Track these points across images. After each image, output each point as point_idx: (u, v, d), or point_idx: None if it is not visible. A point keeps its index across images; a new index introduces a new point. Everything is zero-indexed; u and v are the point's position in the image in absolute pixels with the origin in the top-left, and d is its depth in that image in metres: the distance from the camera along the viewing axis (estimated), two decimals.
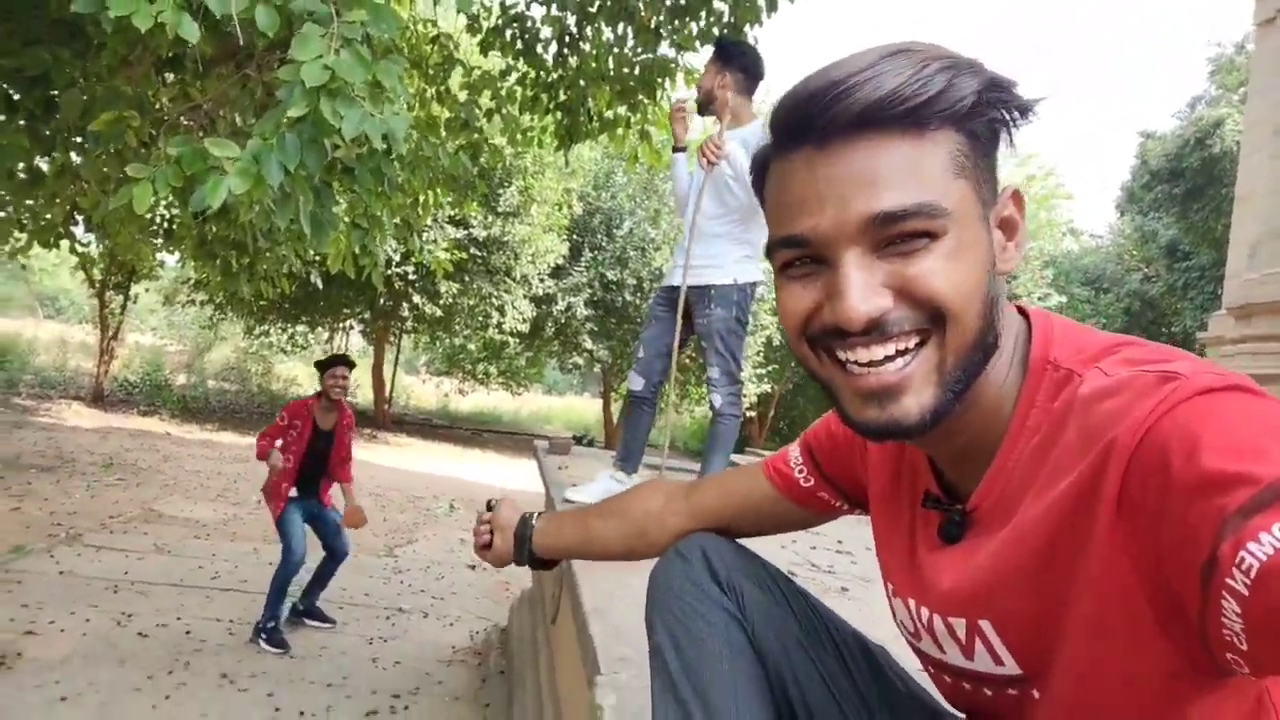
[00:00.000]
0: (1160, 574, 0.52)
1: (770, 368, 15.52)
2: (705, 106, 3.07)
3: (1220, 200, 15.51)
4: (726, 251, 3.03)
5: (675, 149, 3.16)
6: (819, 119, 0.59)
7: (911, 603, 0.76)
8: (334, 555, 4.34)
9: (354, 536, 6.93)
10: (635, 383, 3.23)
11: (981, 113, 0.60)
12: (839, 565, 2.89)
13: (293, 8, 1.88)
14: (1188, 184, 16.58)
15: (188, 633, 4.09)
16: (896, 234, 0.59)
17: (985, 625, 0.68)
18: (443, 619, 5.05)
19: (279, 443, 4.07)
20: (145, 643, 3.88)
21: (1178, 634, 0.54)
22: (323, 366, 4.26)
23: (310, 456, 4.20)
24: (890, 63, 0.58)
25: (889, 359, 0.61)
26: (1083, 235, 22.90)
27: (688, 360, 11.34)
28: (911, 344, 0.61)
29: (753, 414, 16.83)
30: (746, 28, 4.33)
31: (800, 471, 0.95)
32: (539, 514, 1.17)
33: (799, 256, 0.63)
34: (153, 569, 5.07)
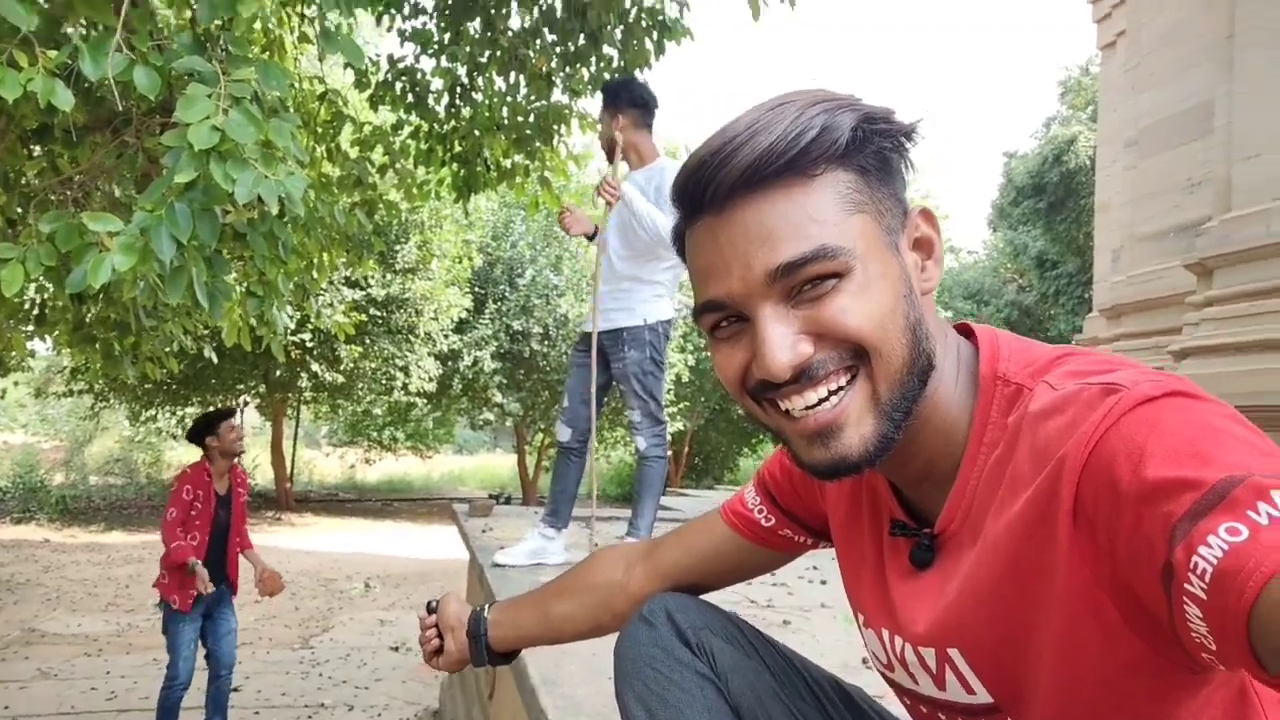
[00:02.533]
0: (1124, 583, 0.53)
1: (681, 405, 15.61)
2: (611, 153, 3.08)
3: (1080, 211, 16.73)
4: (635, 292, 3.03)
5: (589, 237, 3.20)
6: (709, 186, 0.62)
7: (885, 633, 0.75)
8: (219, 665, 3.82)
9: (262, 630, 6.51)
10: (563, 433, 3.17)
11: (862, 146, 0.62)
12: (776, 599, 2.87)
13: (175, 68, 1.76)
14: (1049, 198, 17.83)
15: None
16: (802, 281, 0.60)
17: (955, 654, 0.67)
18: (369, 709, 4.76)
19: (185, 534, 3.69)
20: None
21: (1152, 637, 0.54)
22: (212, 422, 3.79)
23: (214, 532, 3.71)
24: (768, 118, 0.61)
25: (823, 400, 0.62)
26: (961, 252, 24.25)
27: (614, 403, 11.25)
28: (843, 381, 0.62)
29: (668, 453, 16.84)
30: (637, 72, 4.38)
31: (760, 512, 0.93)
32: (488, 606, 1.10)
33: (722, 318, 0.65)
34: (39, 699, 4.59)
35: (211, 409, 4.34)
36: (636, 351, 2.99)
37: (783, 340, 0.61)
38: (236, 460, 3.89)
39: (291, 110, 2.77)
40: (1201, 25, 4.92)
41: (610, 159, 3.08)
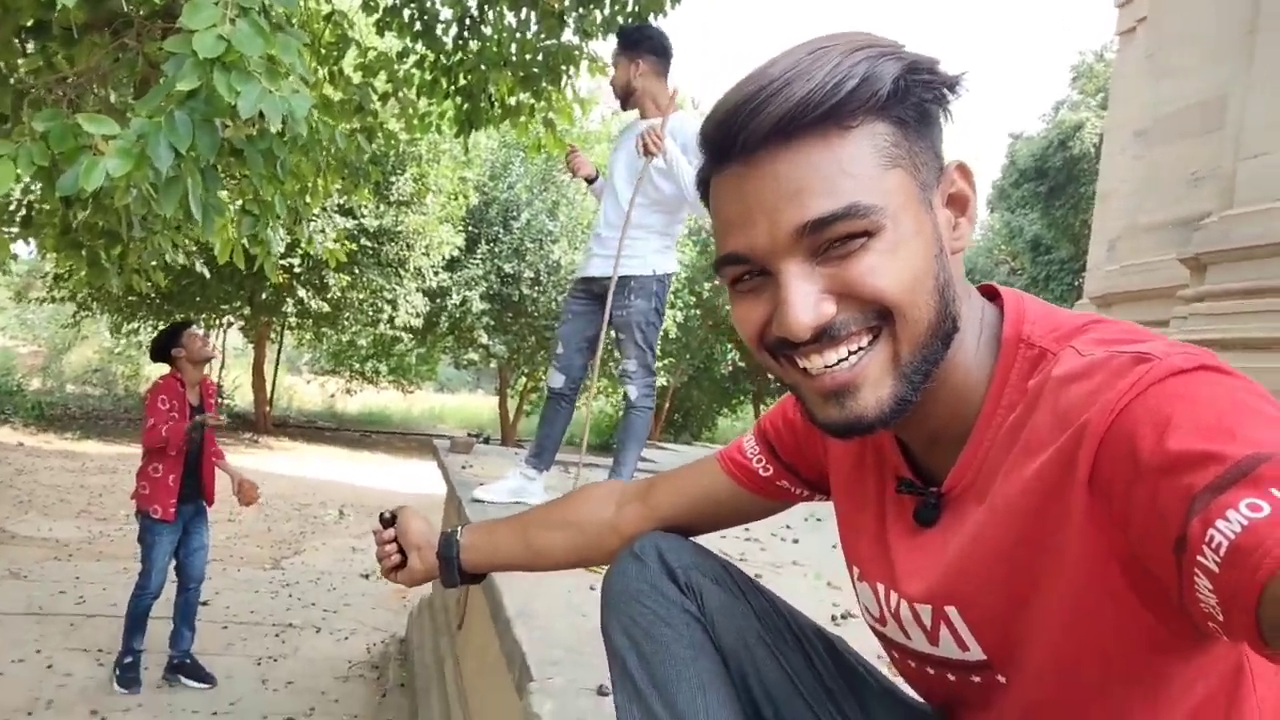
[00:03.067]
0: (1134, 553, 0.53)
1: (666, 360, 15.64)
2: (626, 100, 3.04)
3: (1080, 198, 16.69)
4: (646, 242, 3.01)
5: (588, 181, 3.17)
6: (740, 135, 0.59)
7: (880, 588, 0.75)
8: (189, 578, 3.80)
9: (234, 549, 6.55)
10: (555, 380, 3.15)
11: (903, 98, 0.59)
12: (750, 553, 2.91)
13: None
14: (1051, 183, 17.76)
15: (49, 667, 3.72)
16: (831, 238, 0.58)
17: (952, 612, 0.68)
18: (336, 633, 4.81)
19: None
20: None
21: (1158, 607, 0.54)
22: (174, 333, 3.70)
23: (190, 443, 3.66)
24: (806, 63, 0.57)
25: (842, 360, 0.61)
26: None
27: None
28: (864, 343, 0.61)
29: None
30: (651, 17, 4.29)
31: (758, 462, 0.93)
32: (461, 528, 1.09)
33: (744, 272, 0.63)
34: (6, 597, 4.59)
35: (169, 323, 4.25)
36: (643, 301, 2.98)
37: (805, 300, 0.59)
38: (206, 371, 3.84)
39: (298, 27, 2.69)
40: (1225, 16, 4.86)
41: (625, 105, 3.04)
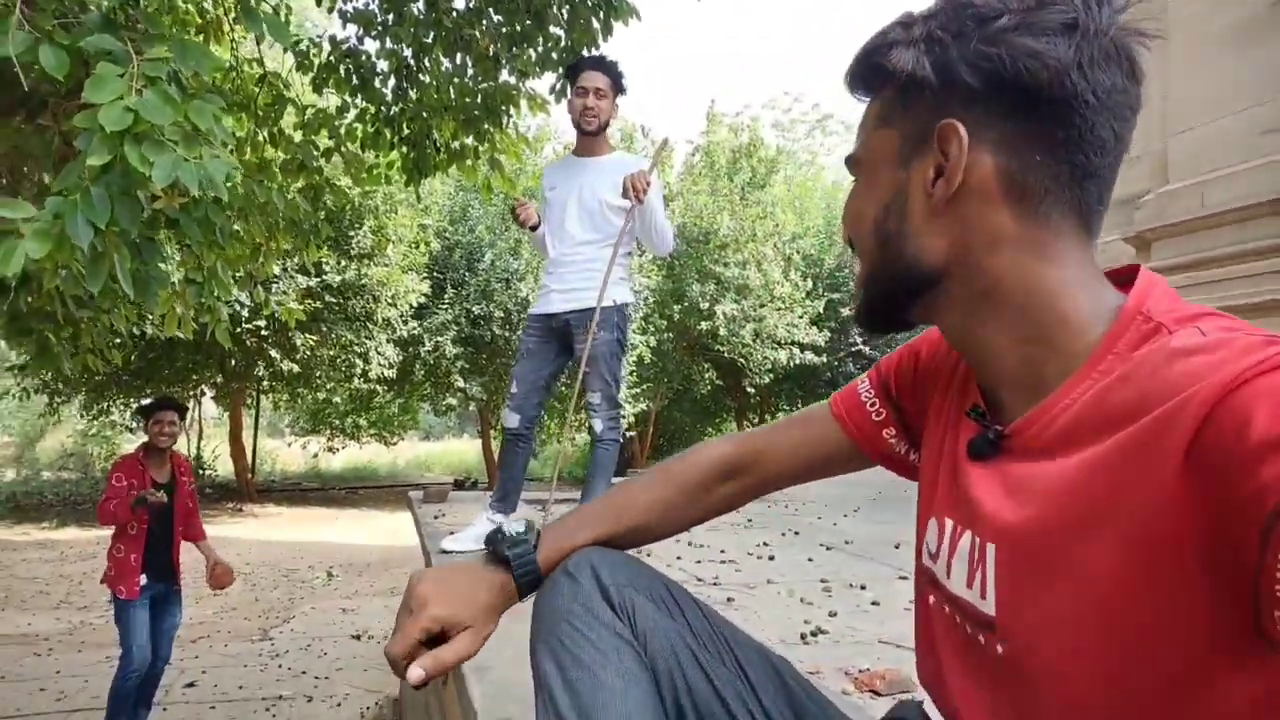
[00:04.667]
0: (1220, 526, 0.50)
1: (644, 385, 15.64)
2: (600, 132, 3.07)
3: None
4: (603, 276, 2.98)
5: (533, 228, 3.15)
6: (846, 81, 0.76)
7: (948, 521, 0.74)
8: (155, 656, 3.77)
9: (220, 624, 6.43)
10: (510, 420, 3.13)
11: (913, 65, 0.66)
12: (723, 575, 2.90)
13: (84, 46, 1.70)
14: None
15: None
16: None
17: (990, 551, 0.66)
18: (329, 699, 4.73)
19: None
20: None
21: (1229, 593, 0.52)
22: (147, 412, 3.81)
23: (155, 520, 3.71)
24: (886, 26, 0.71)
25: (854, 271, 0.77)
26: None
27: (562, 388, 11.24)
28: (857, 262, 0.76)
29: (633, 434, 16.88)
30: (584, 51, 4.35)
31: (872, 405, 0.91)
32: (532, 543, 0.91)
33: None
34: None
35: (153, 398, 4.28)
36: (605, 332, 2.98)
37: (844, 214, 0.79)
38: (172, 449, 3.85)
39: (222, 91, 2.70)
40: (1139, 5, 5.00)
41: (592, 136, 3.07)
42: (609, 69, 3.04)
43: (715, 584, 2.79)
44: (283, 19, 4.36)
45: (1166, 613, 0.54)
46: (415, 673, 0.82)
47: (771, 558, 3.24)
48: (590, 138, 3.08)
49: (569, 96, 3.08)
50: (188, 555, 3.96)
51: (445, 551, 2.85)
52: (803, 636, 2.13)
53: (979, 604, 0.68)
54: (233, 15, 4.28)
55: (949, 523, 0.74)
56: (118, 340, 4.45)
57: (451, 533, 3.07)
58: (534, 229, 3.15)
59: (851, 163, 0.75)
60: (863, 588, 2.76)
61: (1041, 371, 0.66)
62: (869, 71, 0.71)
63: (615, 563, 0.86)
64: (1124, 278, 0.69)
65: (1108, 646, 0.58)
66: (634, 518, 0.96)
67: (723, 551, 3.34)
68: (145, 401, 4.28)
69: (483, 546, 2.91)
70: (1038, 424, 0.65)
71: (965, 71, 0.65)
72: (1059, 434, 0.63)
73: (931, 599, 0.77)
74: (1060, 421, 0.63)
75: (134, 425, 15.78)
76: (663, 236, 3.03)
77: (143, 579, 3.65)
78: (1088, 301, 0.66)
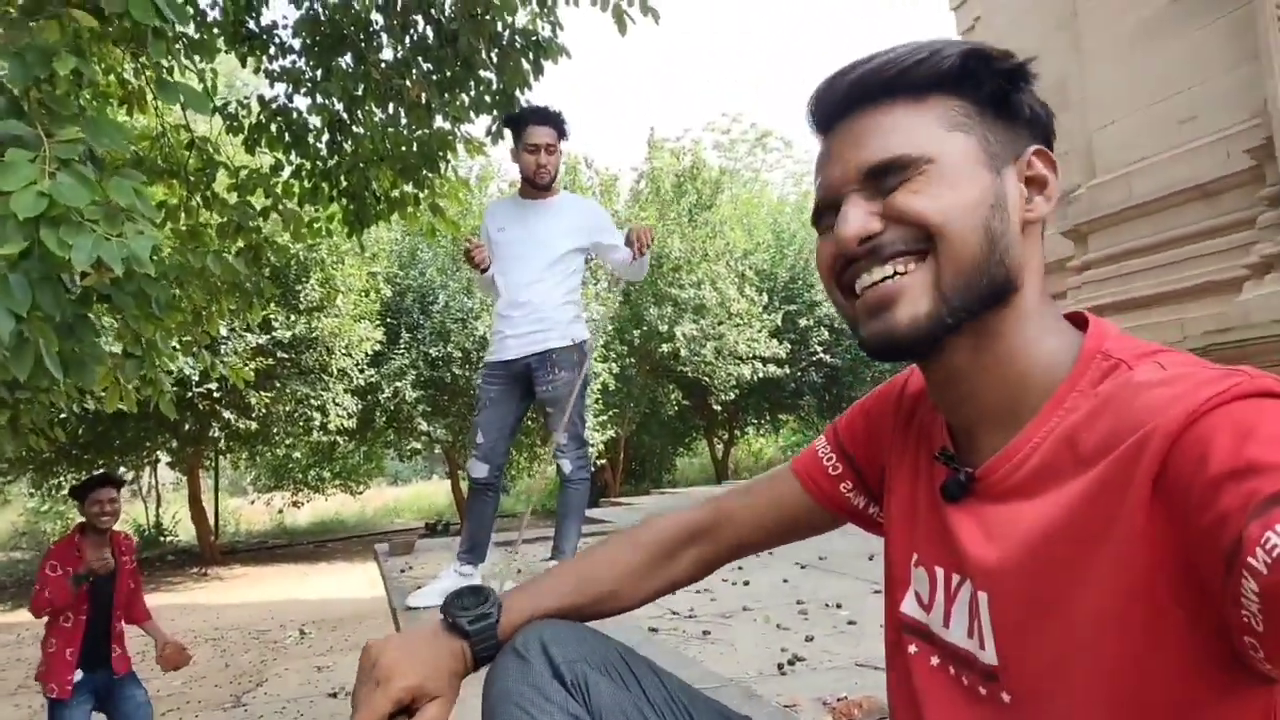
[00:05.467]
0: (1187, 557, 0.51)
1: (611, 412, 15.60)
2: (553, 181, 3.08)
3: None
4: (559, 313, 3.00)
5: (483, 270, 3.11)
6: (829, 99, 0.71)
7: (939, 570, 0.73)
8: None
9: (190, 694, 6.22)
10: (479, 470, 3.07)
11: (976, 79, 0.67)
12: (698, 606, 2.89)
13: None
14: None
15: None
16: (889, 180, 0.66)
17: (982, 598, 0.66)
18: None
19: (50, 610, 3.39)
20: None
21: (1199, 623, 0.52)
22: (81, 492, 3.56)
23: (93, 608, 3.46)
24: (892, 48, 0.68)
25: (887, 277, 0.67)
26: None
27: (529, 422, 11.16)
28: (911, 266, 0.66)
29: (603, 462, 16.80)
30: (517, 93, 4.36)
31: (829, 460, 0.92)
32: (492, 615, 0.88)
33: (826, 214, 0.72)
34: None
35: (90, 474, 4.08)
36: (567, 372, 2.96)
37: (856, 214, 0.67)
38: (112, 531, 3.62)
39: (148, 160, 2.65)
40: (1049, 7, 5.18)
41: (545, 186, 3.08)
42: (554, 121, 3.04)
43: (690, 616, 2.78)
44: (208, 84, 4.32)
45: (1151, 648, 0.55)
46: None
47: (746, 583, 3.23)
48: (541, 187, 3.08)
49: (518, 148, 3.06)
50: (139, 638, 3.79)
51: (411, 608, 2.79)
52: (780, 667, 2.11)
53: (979, 654, 0.67)
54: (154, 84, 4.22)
55: (939, 571, 0.73)
56: (61, 416, 4.32)
57: (419, 587, 3.01)
58: (483, 271, 3.10)
59: (908, 164, 0.66)
60: (839, 606, 2.77)
61: (1017, 411, 0.67)
62: (928, 73, 0.67)
63: (566, 638, 0.84)
64: (1076, 321, 0.72)
65: (1101, 686, 0.58)
66: (601, 586, 0.94)
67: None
68: (79, 480, 4.05)
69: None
70: (1009, 463, 0.66)
71: (1034, 104, 0.70)
72: (1032, 474, 0.64)
73: (914, 648, 0.76)
74: (1032, 461, 0.64)
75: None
76: (643, 271, 3.12)
77: (78, 674, 3.42)
78: (1054, 339, 0.68)
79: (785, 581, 3.23)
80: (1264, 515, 0.45)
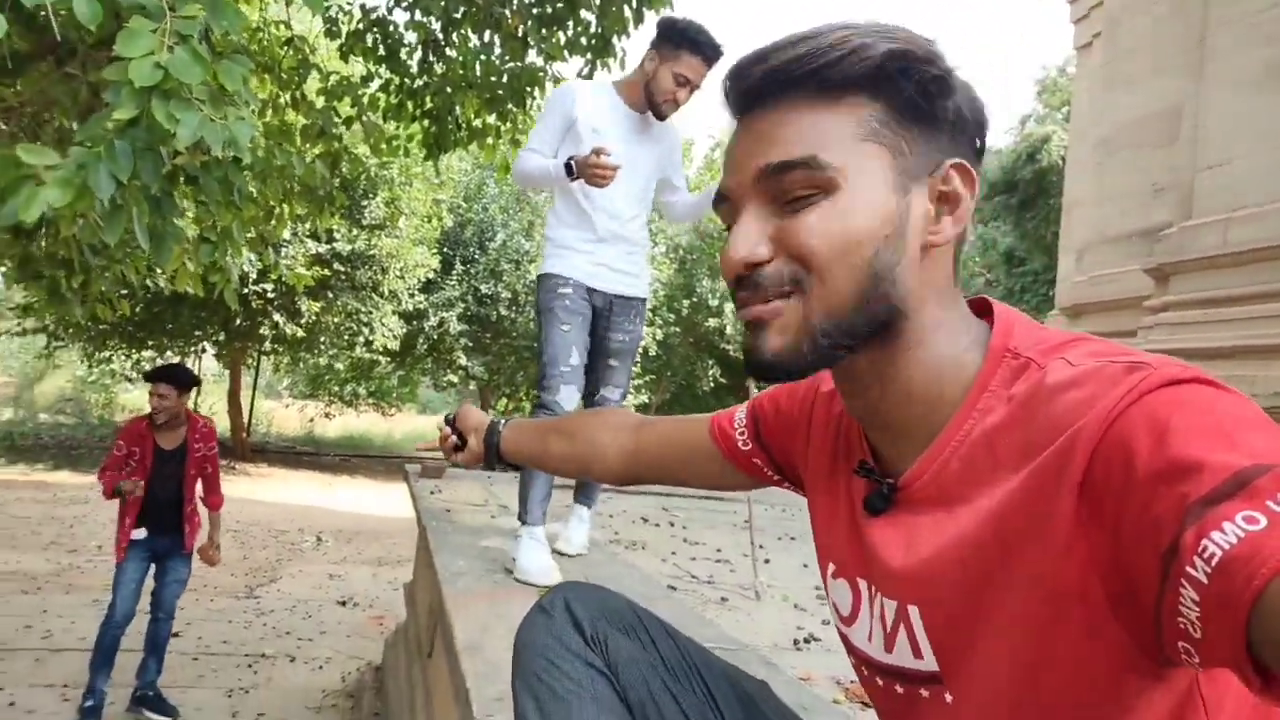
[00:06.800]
0: (1119, 561, 0.51)
1: (647, 378, 15.64)
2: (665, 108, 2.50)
3: (1049, 210, 16.91)
4: (643, 259, 2.67)
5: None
6: (741, 86, 0.65)
7: (859, 582, 0.74)
8: (158, 608, 3.78)
9: (208, 578, 6.44)
10: (571, 398, 2.46)
11: (897, 82, 0.61)
12: (718, 575, 2.90)
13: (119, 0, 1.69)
14: (1021, 195, 17.99)
15: (11, 704, 3.64)
16: (788, 188, 0.62)
17: (914, 612, 0.66)
18: (311, 661, 4.73)
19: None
20: None
21: (1132, 623, 0.53)
22: (149, 378, 3.79)
23: (158, 484, 3.68)
24: (818, 29, 0.62)
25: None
26: None
27: None
28: (786, 300, 0.64)
29: None
30: (614, 39, 4.32)
31: (741, 435, 0.93)
32: (504, 420, 1.21)
33: (729, 212, 0.68)
34: None
35: (163, 361, 4.28)
36: (641, 325, 2.71)
37: (746, 236, 0.64)
38: (191, 414, 3.84)
39: (247, 53, 2.68)
40: (1177, 28, 4.95)
41: (660, 116, 2.52)
42: (715, 61, 2.48)
43: (709, 583, 2.79)
44: None
45: (1086, 647, 0.56)
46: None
47: (767, 560, 3.23)
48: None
49: (661, 63, 2.43)
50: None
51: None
52: (795, 643, 2.12)
53: (915, 664, 0.68)
54: None
55: (863, 585, 0.73)
56: (126, 290, 4.44)
57: (448, 510, 3.05)
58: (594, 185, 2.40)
59: (808, 167, 0.61)
60: None
61: (929, 417, 0.66)
62: (846, 72, 0.61)
63: (588, 596, 0.91)
64: (978, 308, 0.71)
65: (1039, 685, 0.59)
66: (580, 447, 1.10)
67: (719, 550, 3.33)
68: (127, 356, 4.27)
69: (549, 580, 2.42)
70: (928, 472, 0.66)
71: (963, 106, 0.65)
72: (953, 481, 0.64)
73: (864, 669, 0.77)
74: (952, 467, 0.64)
75: (132, 376, 15.81)
76: (699, 212, 2.79)
77: (140, 532, 3.66)
78: (961, 340, 0.67)
79: (805, 566, 3.22)
80: (1198, 521, 0.45)
